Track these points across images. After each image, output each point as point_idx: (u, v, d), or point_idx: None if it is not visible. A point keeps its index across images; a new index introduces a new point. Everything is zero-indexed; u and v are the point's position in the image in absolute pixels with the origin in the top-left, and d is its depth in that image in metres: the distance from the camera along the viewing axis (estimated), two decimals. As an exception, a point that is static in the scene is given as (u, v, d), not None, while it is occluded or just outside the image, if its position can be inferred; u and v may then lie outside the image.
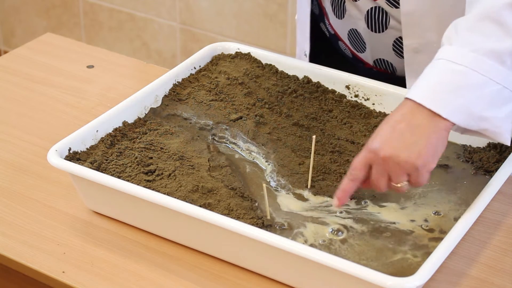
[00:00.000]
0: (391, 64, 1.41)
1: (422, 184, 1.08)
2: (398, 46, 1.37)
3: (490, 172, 1.22)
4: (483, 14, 1.07)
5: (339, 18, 1.41)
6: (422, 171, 1.07)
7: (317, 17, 1.49)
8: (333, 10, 1.42)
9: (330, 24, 1.46)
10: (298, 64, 1.40)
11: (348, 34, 1.42)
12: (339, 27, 1.43)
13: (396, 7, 1.31)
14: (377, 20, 1.35)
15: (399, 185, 1.08)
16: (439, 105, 1.05)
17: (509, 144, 1.11)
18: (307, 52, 1.48)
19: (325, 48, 1.51)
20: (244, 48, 1.44)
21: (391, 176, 1.08)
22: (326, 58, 1.47)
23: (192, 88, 1.37)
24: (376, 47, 1.39)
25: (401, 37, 1.34)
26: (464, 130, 1.11)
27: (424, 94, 1.06)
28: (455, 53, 1.07)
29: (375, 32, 1.36)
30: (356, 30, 1.39)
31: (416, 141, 1.06)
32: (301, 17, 1.48)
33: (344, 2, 1.38)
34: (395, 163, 1.06)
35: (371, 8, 1.34)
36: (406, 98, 1.08)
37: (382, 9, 1.33)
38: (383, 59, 1.41)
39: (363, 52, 1.42)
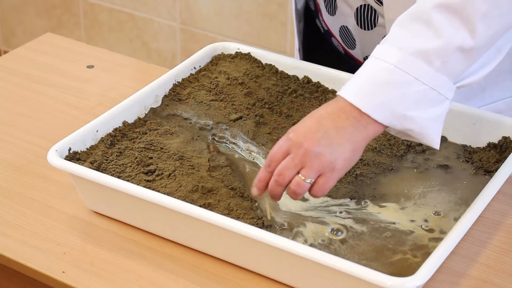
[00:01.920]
0: None
1: (324, 193, 1.06)
2: None
3: (490, 172, 1.22)
4: (415, 13, 1.07)
5: (331, 15, 1.42)
6: (335, 176, 1.06)
7: (313, 13, 1.50)
8: (325, 7, 1.43)
9: (323, 20, 1.46)
10: (298, 64, 1.41)
11: (339, 31, 1.43)
12: (331, 23, 1.44)
13: (383, 5, 1.31)
14: (366, 17, 1.35)
15: (306, 180, 1.05)
16: (361, 100, 1.05)
17: (437, 148, 1.09)
18: (298, 47, 1.49)
19: (321, 44, 1.51)
20: (244, 48, 1.44)
21: (305, 167, 1.05)
22: (321, 55, 1.48)
23: (192, 88, 1.37)
24: (365, 44, 1.40)
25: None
26: (395, 132, 1.09)
27: (350, 90, 1.06)
28: (383, 50, 1.07)
29: (364, 29, 1.37)
30: (346, 27, 1.40)
31: (341, 144, 1.05)
32: (291, 14, 1.49)
33: None
34: (315, 156, 1.04)
35: (361, 6, 1.35)
36: (336, 95, 1.08)
37: (371, 6, 1.33)
38: None
39: (354, 49, 1.42)
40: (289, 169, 1.06)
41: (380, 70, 1.06)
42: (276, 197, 1.09)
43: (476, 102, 1.36)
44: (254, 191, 1.10)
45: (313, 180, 1.06)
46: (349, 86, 1.07)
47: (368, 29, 1.36)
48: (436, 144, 1.09)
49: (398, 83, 1.05)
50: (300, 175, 1.06)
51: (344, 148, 1.05)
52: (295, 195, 1.07)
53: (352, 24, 1.38)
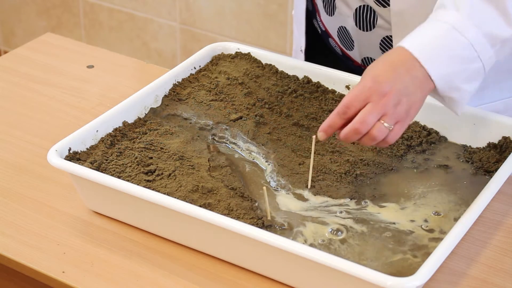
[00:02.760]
0: None
1: (395, 139, 1.09)
2: (385, 45, 1.37)
3: (490, 172, 1.22)
4: None
5: (329, 15, 1.42)
6: (407, 122, 1.10)
7: (311, 14, 1.50)
8: (324, 7, 1.43)
9: (321, 21, 1.46)
10: (298, 64, 1.41)
11: (337, 32, 1.42)
12: (330, 24, 1.44)
13: (384, 6, 1.31)
14: (365, 18, 1.35)
15: (387, 125, 1.07)
16: (433, 66, 1.09)
17: (459, 115, 1.16)
18: (303, 48, 1.49)
19: (318, 45, 1.51)
20: (244, 48, 1.44)
21: (387, 116, 1.08)
22: (319, 55, 1.48)
23: (192, 88, 1.37)
24: (364, 46, 1.39)
25: (388, 36, 1.35)
26: (433, 94, 1.14)
27: (422, 51, 1.10)
28: (461, 22, 1.11)
29: (363, 30, 1.37)
30: (345, 27, 1.40)
31: (415, 92, 1.09)
32: (297, 13, 1.48)
33: None
34: (397, 105, 1.08)
35: (360, 7, 1.34)
36: (401, 47, 1.11)
37: (370, 7, 1.33)
38: (371, 58, 1.41)
39: (352, 50, 1.42)
40: (372, 116, 1.08)
41: (455, 41, 1.10)
42: (349, 141, 1.10)
43: (475, 101, 1.36)
44: (322, 135, 1.11)
45: (392, 126, 1.09)
46: (418, 44, 1.10)
47: (367, 30, 1.36)
48: (460, 111, 1.15)
49: (465, 58, 1.11)
50: (381, 121, 1.08)
51: (417, 97, 1.09)
52: (372, 141, 1.09)
53: (350, 25, 1.38)
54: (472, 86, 1.13)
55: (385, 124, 1.08)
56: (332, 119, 1.10)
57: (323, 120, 1.31)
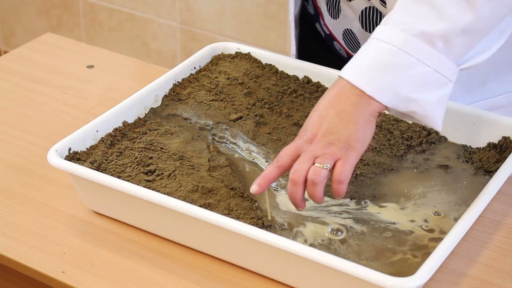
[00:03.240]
0: None
1: (345, 175, 1.05)
2: None
3: (490, 172, 1.22)
4: None
5: (334, 18, 1.42)
6: (351, 155, 1.05)
7: (313, 17, 1.50)
8: (328, 10, 1.42)
9: (325, 24, 1.46)
10: (298, 64, 1.41)
11: (343, 34, 1.42)
12: (334, 27, 1.44)
13: (387, 8, 1.31)
14: (371, 20, 1.35)
15: (319, 165, 1.05)
16: (365, 82, 1.05)
17: (440, 130, 1.10)
18: (294, 53, 1.49)
19: (320, 49, 1.51)
20: (244, 48, 1.44)
21: (319, 158, 1.05)
22: (322, 59, 1.47)
23: (192, 88, 1.37)
24: None
25: None
26: (397, 113, 1.09)
27: (352, 72, 1.06)
28: (386, 32, 1.07)
29: (370, 32, 1.36)
30: (350, 30, 1.39)
31: (345, 127, 1.05)
32: (290, 19, 1.48)
33: (339, 2, 1.38)
34: (326, 147, 1.05)
35: (365, 8, 1.34)
36: (338, 76, 1.08)
37: (376, 9, 1.33)
38: None
39: None
40: (303, 163, 1.06)
41: (384, 52, 1.05)
42: (297, 203, 1.08)
43: (476, 96, 1.36)
44: (254, 187, 1.08)
45: (329, 165, 1.06)
46: (350, 68, 1.07)
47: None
48: (438, 126, 1.09)
49: (402, 65, 1.05)
50: (316, 163, 1.05)
51: (349, 130, 1.05)
52: (314, 186, 1.05)
53: (356, 27, 1.38)
54: (432, 94, 1.07)
55: (318, 165, 1.05)
56: (266, 169, 1.09)
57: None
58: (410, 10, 1.07)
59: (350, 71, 1.07)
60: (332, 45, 1.47)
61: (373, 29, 1.35)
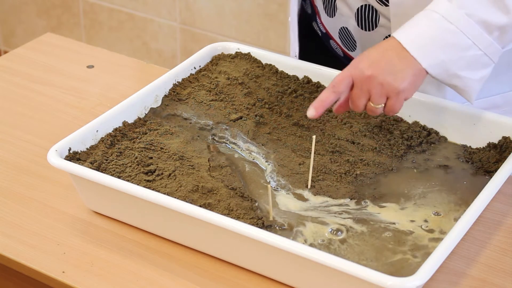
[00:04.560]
0: None
1: (395, 112, 1.16)
2: None
3: (490, 172, 1.22)
4: None
5: (330, 17, 1.42)
6: (401, 97, 1.14)
7: (310, 17, 1.50)
8: (324, 9, 1.43)
9: (321, 23, 1.46)
10: (298, 64, 1.40)
11: (339, 33, 1.42)
12: (330, 25, 1.44)
13: (386, 5, 1.31)
14: (367, 18, 1.35)
15: (377, 106, 1.15)
16: (422, 56, 1.14)
17: (473, 103, 1.20)
18: (297, 53, 1.49)
19: (317, 48, 1.51)
20: (244, 48, 1.44)
21: (372, 95, 1.14)
22: (318, 58, 1.47)
23: (192, 88, 1.37)
24: (366, 46, 1.39)
25: (390, 35, 1.35)
26: (439, 80, 1.18)
27: (411, 41, 1.14)
28: (451, 11, 1.14)
29: (365, 30, 1.37)
30: (346, 28, 1.40)
31: (403, 69, 1.13)
32: (292, 19, 1.48)
33: (335, 0, 1.38)
34: (379, 83, 1.13)
35: (361, 6, 1.34)
36: (393, 38, 1.15)
37: (372, 7, 1.33)
38: None
39: (354, 50, 1.42)
40: (359, 99, 1.15)
41: (446, 31, 1.14)
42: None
43: None
44: (312, 111, 1.16)
45: (383, 104, 1.15)
46: (409, 35, 1.14)
47: (369, 30, 1.36)
48: (472, 100, 1.20)
49: (459, 46, 1.14)
50: (370, 102, 1.15)
51: (405, 73, 1.13)
52: (373, 114, 1.17)
53: (352, 25, 1.38)
54: (477, 74, 1.16)
55: (374, 105, 1.15)
56: (323, 94, 1.16)
57: (323, 120, 1.31)
58: None
59: (408, 39, 1.14)
60: (328, 44, 1.47)
61: (369, 27, 1.36)
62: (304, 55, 1.49)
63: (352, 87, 1.16)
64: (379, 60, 1.14)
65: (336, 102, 1.18)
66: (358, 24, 1.37)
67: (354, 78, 1.15)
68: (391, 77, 1.13)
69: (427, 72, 1.15)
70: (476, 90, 1.18)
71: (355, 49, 1.41)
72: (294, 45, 1.50)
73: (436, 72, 1.15)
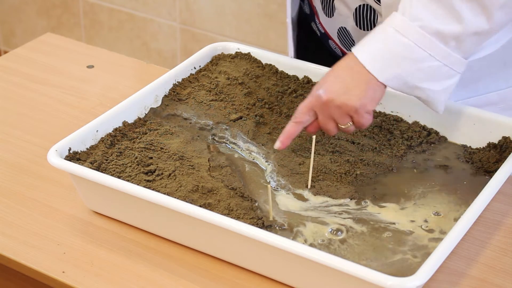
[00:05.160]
0: None
1: (364, 126, 1.17)
2: None
3: (490, 172, 1.22)
4: None
5: (328, 17, 1.42)
6: (361, 112, 1.16)
7: (309, 17, 1.50)
8: (322, 9, 1.43)
9: (320, 23, 1.46)
10: (298, 64, 1.41)
11: (337, 33, 1.42)
12: (329, 25, 1.44)
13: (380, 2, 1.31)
14: (366, 17, 1.35)
15: (343, 126, 1.17)
16: (378, 70, 1.14)
17: (440, 113, 1.20)
18: (292, 55, 1.49)
19: (317, 48, 1.51)
20: (244, 48, 1.44)
21: (335, 118, 1.16)
22: (318, 58, 1.48)
23: (192, 88, 1.37)
24: None
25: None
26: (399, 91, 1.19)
27: (368, 56, 1.15)
28: (405, 25, 1.14)
29: (364, 29, 1.37)
30: (345, 28, 1.40)
31: (356, 85, 1.15)
32: (288, 20, 1.48)
33: (333, 0, 1.38)
34: (336, 106, 1.15)
35: (360, 6, 1.34)
36: (351, 54, 1.16)
37: (370, 6, 1.33)
38: None
39: None
40: (326, 124, 1.18)
41: (399, 45, 1.14)
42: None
43: (470, 92, 1.36)
44: (278, 144, 1.19)
45: (349, 123, 1.17)
46: (366, 51, 1.15)
47: (368, 29, 1.36)
48: (439, 111, 1.19)
49: (415, 59, 1.14)
50: (340, 125, 1.17)
51: (358, 89, 1.15)
52: (348, 132, 1.20)
53: (351, 25, 1.38)
54: (439, 84, 1.15)
55: (342, 126, 1.17)
56: (288, 128, 1.19)
57: (323, 120, 1.31)
58: (428, 8, 1.13)
59: (364, 55, 1.15)
60: (327, 44, 1.48)
61: (368, 27, 1.36)
62: (304, 55, 1.49)
63: (316, 114, 1.18)
64: (333, 83, 1.15)
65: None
66: (356, 24, 1.37)
67: (314, 107, 1.17)
68: (345, 97, 1.14)
69: (385, 86, 1.15)
70: (441, 101, 1.17)
71: None
72: (290, 46, 1.51)
73: (395, 85, 1.15)
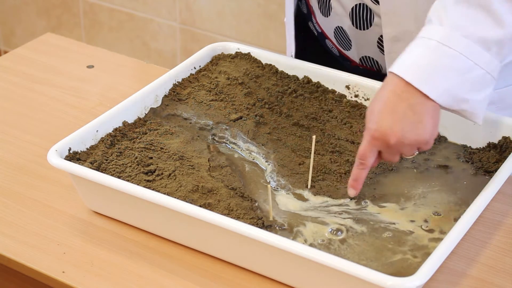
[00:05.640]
0: (377, 62, 1.41)
1: (428, 148, 1.13)
2: (382, 43, 1.36)
3: (490, 172, 1.22)
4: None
5: (325, 16, 1.42)
6: (431, 142, 1.12)
7: (306, 16, 1.50)
8: (319, 8, 1.43)
9: (317, 22, 1.46)
10: (298, 64, 1.41)
11: (334, 32, 1.42)
12: (326, 25, 1.44)
13: (379, 4, 1.31)
14: (362, 17, 1.35)
15: (410, 157, 1.14)
16: (428, 86, 1.08)
17: (481, 124, 1.15)
18: (293, 53, 1.49)
19: (314, 48, 1.51)
20: (244, 48, 1.44)
21: (404, 154, 1.12)
22: (316, 58, 1.48)
23: (192, 88, 1.37)
24: (361, 45, 1.39)
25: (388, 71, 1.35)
26: (444, 109, 1.14)
27: (414, 73, 1.09)
28: (448, 36, 1.09)
29: (360, 29, 1.37)
30: (341, 27, 1.40)
31: (420, 120, 1.09)
32: (288, 19, 1.48)
33: (330, 0, 1.38)
34: (406, 145, 1.10)
35: (356, 5, 1.34)
36: (393, 73, 1.10)
37: (366, 6, 1.33)
38: (369, 57, 1.41)
39: (349, 49, 1.42)
40: (393, 159, 1.13)
41: (445, 56, 1.09)
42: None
43: None
44: (352, 192, 1.16)
45: (415, 153, 1.13)
46: (409, 67, 1.10)
47: (364, 29, 1.36)
48: (480, 120, 1.14)
49: (462, 69, 1.09)
50: (404, 156, 1.13)
51: (423, 123, 1.10)
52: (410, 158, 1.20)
53: (347, 25, 1.38)
54: (481, 94, 1.12)
55: (408, 157, 1.15)
56: (355, 174, 1.14)
57: (323, 120, 1.31)
58: (466, 15, 1.10)
59: (410, 72, 1.09)
60: (324, 43, 1.48)
61: (364, 26, 1.36)
62: (301, 55, 1.49)
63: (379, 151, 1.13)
64: (395, 121, 1.09)
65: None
66: (352, 23, 1.37)
67: (378, 148, 1.12)
68: (414, 134, 1.09)
69: (438, 104, 1.10)
70: (483, 110, 1.14)
71: (350, 48, 1.41)
72: (290, 45, 1.51)
73: (444, 100, 1.09)
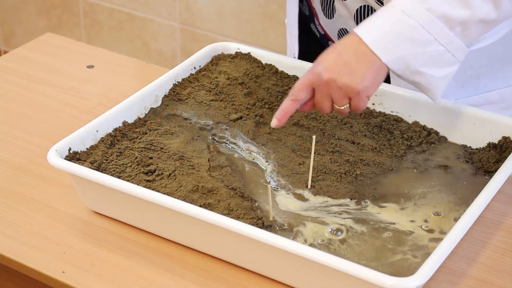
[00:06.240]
0: None
1: (361, 110, 1.15)
2: None
3: (490, 172, 1.22)
4: None
5: (328, 18, 1.42)
6: (362, 96, 1.14)
7: (308, 18, 1.50)
8: (322, 10, 1.42)
9: (320, 24, 1.46)
10: (298, 64, 1.41)
11: (338, 34, 1.42)
12: (329, 27, 1.44)
13: (384, 5, 1.31)
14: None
15: (340, 107, 1.15)
16: (382, 51, 1.12)
17: (437, 102, 1.19)
18: (296, 54, 1.49)
19: (316, 49, 1.51)
20: (244, 48, 1.44)
21: (334, 99, 1.15)
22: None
23: (192, 88, 1.37)
24: None
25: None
26: (402, 78, 1.17)
27: (372, 37, 1.13)
28: (412, 6, 1.13)
29: None
30: (345, 29, 1.40)
31: (360, 68, 1.13)
32: (290, 20, 1.48)
33: (333, 2, 1.38)
34: (337, 87, 1.13)
35: (360, 7, 1.34)
36: (354, 33, 1.14)
37: (371, 7, 1.33)
38: None
39: None
40: (322, 103, 1.16)
41: (405, 26, 1.12)
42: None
43: (470, 91, 1.36)
44: (274, 121, 1.17)
45: (346, 105, 1.15)
46: (370, 31, 1.14)
47: None
48: (437, 99, 1.18)
49: (419, 41, 1.12)
50: (334, 104, 1.16)
51: (363, 72, 1.13)
52: (342, 114, 1.18)
53: (351, 27, 1.38)
54: (440, 71, 1.14)
55: (338, 107, 1.16)
56: (284, 104, 1.17)
57: (323, 120, 1.31)
58: None
59: (369, 35, 1.13)
60: (327, 45, 1.47)
61: None
62: (303, 56, 1.49)
63: (313, 91, 1.16)
64: (336, 62, 1.13)
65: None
66: (357, 25, 1.37)
67: (313, 84, 1.15)
68: (349, 78, 1.13)
69: (388, 68, 1.14)
70: (440, 88, 1.16)
71: None
72: (293, 46, 1.50)
73: (397, 67, 1.13)
